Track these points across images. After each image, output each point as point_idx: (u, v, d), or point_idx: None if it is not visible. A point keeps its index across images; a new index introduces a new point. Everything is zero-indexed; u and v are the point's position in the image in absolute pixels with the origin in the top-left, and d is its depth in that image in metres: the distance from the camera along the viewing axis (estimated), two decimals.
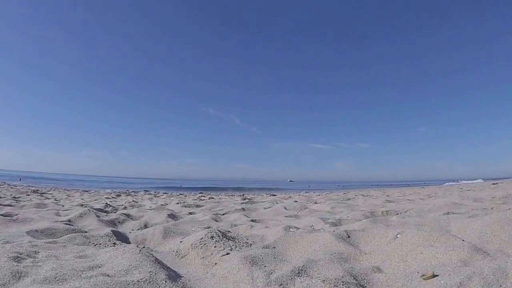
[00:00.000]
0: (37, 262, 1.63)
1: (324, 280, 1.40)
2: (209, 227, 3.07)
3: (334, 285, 1.36)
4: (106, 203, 6.16)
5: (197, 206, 6.33)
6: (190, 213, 4.87)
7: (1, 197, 7.05)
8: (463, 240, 1.79)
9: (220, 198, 9.42)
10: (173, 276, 1.62)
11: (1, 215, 3.57)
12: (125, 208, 5.70)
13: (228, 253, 1.87)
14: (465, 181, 33.96)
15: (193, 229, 3.06)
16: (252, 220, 3.89)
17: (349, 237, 2.18)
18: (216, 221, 3.91)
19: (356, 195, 10.31)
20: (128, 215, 4.29)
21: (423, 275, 1.39)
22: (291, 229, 2.68)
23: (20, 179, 25.75)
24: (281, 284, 1.40)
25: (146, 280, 1.43)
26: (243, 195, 12.36)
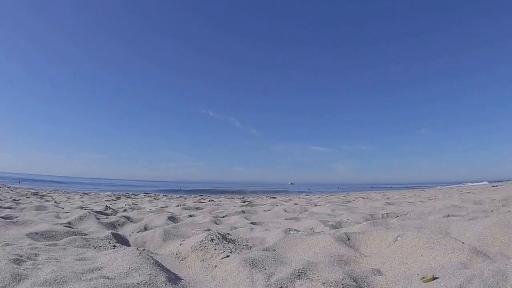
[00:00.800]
0: (37, 265, 1.63)
1: (324, 283, 1.40)
2: (209, 230, 3.07)
3: None
4: (106, 206, 6.15)
5: (197, 208, 6.33)
6: (190, 216, 4.86)
7: (1, 200, 7.04)
8: (463, 243, 1.79)
9: (220, 201, 9.41)
10: (173, 278, 1.62)
11: (2, 217, 3.57)
12: (125, 210, 5.69)
13: (228, 256, 1.87)
14: (470, 184, 33.86)
15: (193, 231, 3.06)
16: (252, 223, 3.89)
17: (349, 239, 2.18)
18: (216, 223, 3.91)
19: (356, 198, 10.31)
20: (128, 218, 4.29)
21: (423, 278, 1.39)
22: (291, 232, 2.68)
23: (19, 182, 25.67)
24: (281, 287, 1.41)
25: (146, 282, 1.43)
26: (243, 198, 12.35)
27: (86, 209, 4.87)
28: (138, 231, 3.37)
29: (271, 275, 1.52)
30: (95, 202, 7.72)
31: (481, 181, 37.46)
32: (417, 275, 1.45)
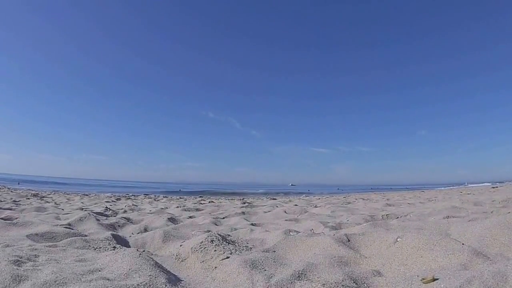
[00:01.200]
0: (37, 266, 1.63)
1: (324, 284, 1.40)
2: (209, 231, 3.07)
3: None
4: (106, 207, 6.15)
5: (197, 210, 6.33)
6: (190, 217, 4.86)
7: (1, 201, 7.04)
8: (463, 244, 1.79)
9: (220, 202, 9.40)
10: (173, 279, 1.62)
11: (2, 218, 3.57)
12: (125, 211, 5.69)
13: (228, 257, 1.87)
14: (472, 185, 33.82)
15: (193, 233, 3.06)
16: (252, 224, 3.89)
17: (349, 240, 2.18)
18: (216, 225, 3.91)
19: (356, 199, 10.30)
20: (128, 219, 4.29)
21: (423, 279, 1.39)
22: (291, 233, 2.68)
23: (18, 183, 25.54)
24: None
25: (146, 283, 1.43)
26: (243, 199, 12.34)
27: (86, 211, 4.86)
28: (138, 232, 3.37)
29: (271, 276, 1.52)
30: (95, 203, 7.71)
31: (483, 182, 37.39)
32: (417, 276, 1.45)
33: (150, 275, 1.51)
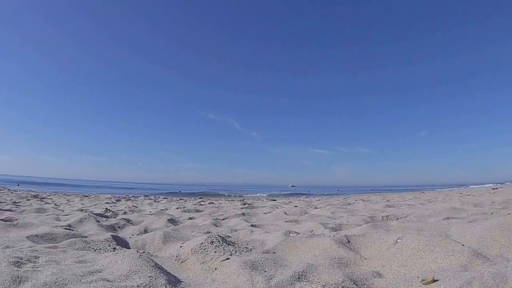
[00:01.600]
0: (37, 267, 1.63)
1: (324, 285, 1.40)
2: (209, 232, 3.07)
3: None
4: (106, 208, 6.15)
5: (197, 211, 6.32)
6: (190, 218, 4.86)
7: (2, 202, 7.05)
8: (463, 245, 1.79)
9: (220, 203, 9.40)
10: (173, 281, 1.62)
11: (2, 220, 3.57)
12: (125, 213, 5.69)
13: (228, 258, 1.87)
14: (474, 186, 33.77)
15: (193, 234, 3.05)
16: (252, 225, 3.89)
17: (349, 242, 2.18)
18: (216, 226, 3.91)
19: (356, 200, 10.30)
20: (128, 220, 4.29)
21: (423, 280, 1.39)
22: (291, 234, 2.68)
23: (18, 184, 25.50)
24: None
25: (146, 285, 1.43)
26: (243, 200, 12.34)
27: (86, 212, 4.86)
28: (138, 234, 3.37)
29: (271, 278, 1.52)
30: (95, 205, 7.71)
31: (485, 184, 37.28)
32: (417, 277, 1.45)
33: (150, 276, 1.52)
